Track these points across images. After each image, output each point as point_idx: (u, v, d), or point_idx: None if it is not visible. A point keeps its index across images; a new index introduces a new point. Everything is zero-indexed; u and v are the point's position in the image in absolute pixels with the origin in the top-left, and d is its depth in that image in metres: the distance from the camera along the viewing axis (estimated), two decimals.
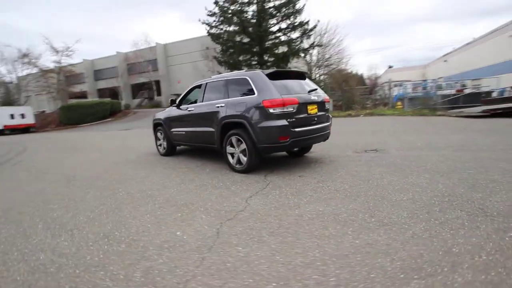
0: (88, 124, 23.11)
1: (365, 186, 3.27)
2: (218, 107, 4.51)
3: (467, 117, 10.86)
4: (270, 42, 19.24)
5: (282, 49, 18.95)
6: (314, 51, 21.91)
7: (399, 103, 15.67)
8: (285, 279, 1.69)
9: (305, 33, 18.59)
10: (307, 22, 18.59)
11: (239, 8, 18.60)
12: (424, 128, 8.49)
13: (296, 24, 18.64)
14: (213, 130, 4.62)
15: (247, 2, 18.64)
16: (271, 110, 3.80)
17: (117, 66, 36.70)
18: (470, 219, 2.30)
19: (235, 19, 18.40)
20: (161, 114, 6.20)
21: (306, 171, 4.15)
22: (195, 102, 5.47)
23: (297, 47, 18.35)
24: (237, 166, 4.29)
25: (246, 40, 19.31)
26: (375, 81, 21.25)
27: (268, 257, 1.94)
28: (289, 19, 18.74)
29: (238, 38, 18.85)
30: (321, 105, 4.38)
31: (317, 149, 5.61)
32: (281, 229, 2.35)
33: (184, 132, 5.38)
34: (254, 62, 19.74)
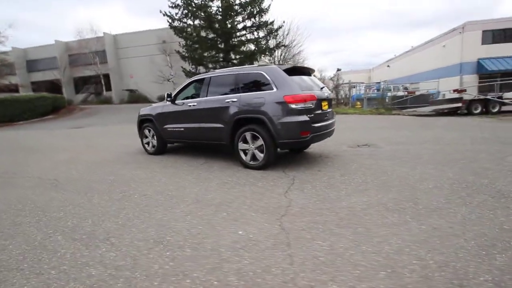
0: (26, 122, 19.93)
1: (387, 178, 3.51)
2: (228, 102, 4.34)
3: (420, 115, 12.36)
4: (236, 39, 19.10)
5: (249, 47, 18.98)
6: (278, 51, 22.39)
7: (358, 103, 17.04)
8: (390, 267, 1.73)
9: (271, 33, 18.91)
10: (272, 22, 18.93)
11: (203, 3, 18.06)
12: (391, 125, 9.39)
13: (261, 23, 18.83)
14: (222, 126, 4.43)
15: None
16: (293, 106, 3.81)
17: (56, 56, 32.43)
18: (496, 201, 2.65)
19: (201, 13, 17.80)
20: (150, 110, 5.71)
21: (320, 166, 4.26)
22: (193, 97, 5.20)
23: (264, 46, 18.56)
24: (251, 162, 4.20)
25: (211, 36, 18.86)
26: (337, 82, 22.61)
27: (355, 247, 1.97)
28: (254, 18, 18.83)
29: (203, 33, 18.29)
30: (329, 102, 4.55)
31: (312, 145, 5.79)
32: (344, 221, 2.39)
33: (182, 129, 5.04)
34: (220, 59, 19.39)
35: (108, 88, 33.34)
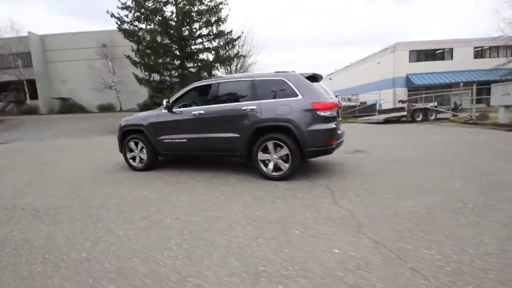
0: None
1: (413, 181, 3.69)
2: (246, 110, 4.05)
3: (372, 123, 13.71)
4: (194, 47, 18.53)
5: (207, 55, 18.57)
6: (235, 61, 22.47)
7: None
8: None
9: (230, 43, 18.88)
10: (230, 32, 18.95)
11: (157, 6, 17.09)
12: (358, 132, 10.16)
13: (219, 32, 18.67)
14: (237, 135, 4.11)
15: (164, 1, 17.35)
16: (321, 113, 3.76)
17: None
18: None
19: (155, 18, 16.78)
20: (139, 120, 4.98)
21: (337, 172, 4.28)
22: (191, 105, 4.74)
23: (226, 55, 18.39)
24: (274, 173, 3.97)
25: (166, 41, 17.90)
26: None
27: (467, 252, 1.95)
28: (212, 26, 18.60)
29: (158, 39, 17.22)
30: (339, 109, 4.65)
31: None
32: (424, 226, 2.38)
33: (184, 140, 4.51)
34: (176, 67, 18.48)
35: (34, 96, 28.68)
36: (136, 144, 5.00)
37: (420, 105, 13.90)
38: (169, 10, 17.84)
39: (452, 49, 24.21)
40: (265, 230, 2.44)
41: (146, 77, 18.24)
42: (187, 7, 17.02)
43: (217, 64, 18.58)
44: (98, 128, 16.62)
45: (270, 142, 3.92)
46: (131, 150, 5.08)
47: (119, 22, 17.01)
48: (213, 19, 18.19)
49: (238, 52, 19.79)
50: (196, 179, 4.25)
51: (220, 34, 18.68)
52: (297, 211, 2.84)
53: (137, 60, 17.77)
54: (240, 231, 2.45)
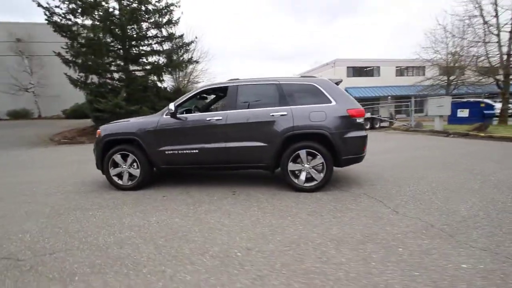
0: None
1: (438, 184, 3.88)
2: (274, 116, 3.67)
3: None
4: (142, 48, 16.89)
5: (159, 59, 17.12)
6: (189, 67, 21.28)
7: None
8: None
9: (182, 47, 17.83)
10: (181, 36, 17.93)
11: (97, 0, 15.04)
12: None
13: (170, 35, 17.46)
14: (264, 144, 3.68)
15: None
16: (357, 120, 3.64)
17: None
18: None
19: (95, 12, 14.70)
20: (130, 127, 4.05)
21: (359, 180, 4.23)
22: (192, 111, 4.13)
23: (179, 59, 17.21)
24: (306, 184, 3.66)
25: (109, 40, 15.84)
26: None
27: None
28: (163, 28, 17.30)
29: (100, 36, 15.07)
30: None
31: None
32: (501, 229, 2.42)
33: (196, 151, 3.81)
34: (120, 69, 16.48)
35: None
36: (124, 157, 4.04)
37: (368, 115, 15.49)
38: (112, 5, 15.90)
39: (379, 67, 28.20)
40: (366, 252, 2.12)
41: (82, 79, 15.69)
42: (134, 4, 15.45)
43: (170, 69, 17.23)
44: (15, 139, 13.44)
45: (303, 151, 3.62)
46: (116, 165, 4.08)
47: (48, 13, 14.27)
48: (163, 20, 16.93)
49: (192, 57, 18.81)
50: (215, 196, 3.62)
51: (171, 37, 17.46)
52: (370, 225, 2.60)
53: (70, 58, 15.16)
54: (340, 256, 2.06)
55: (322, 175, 3.63)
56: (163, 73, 17.61)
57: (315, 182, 3.65)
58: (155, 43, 17.60)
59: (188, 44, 18.20)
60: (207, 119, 3.81)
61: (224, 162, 3.86)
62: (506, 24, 11.27)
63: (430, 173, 4.50)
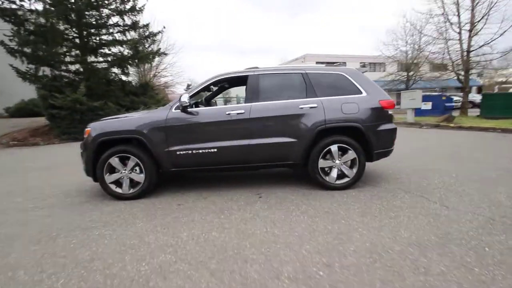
0: None
1: (458, 175, 3.89)
2: (303, 108, 3.31)
3: None
4: (104, 37, 15.22)
5: (124, 49, 15.59)
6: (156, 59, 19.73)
7: None
8: None
9: (149, 37, 16.45)
10: (147, 25, 16.54)
11: None
12: None
13: (134, 23, 16.00)
14: (293, 140, 3.31)
15: None
16: (389, 112, 3.46)
17: None
18: None
19: None
20: (131, 124, 3.36)
21: (381, 175, 4.11)
22: (198, 105, 3.62)
23: (146, 51, 15.82)
24: (338, 182, 3.40)
25: (63, 27, 13.97)
26: None
27: None
28: (125, 15, 15.76)
29: (53, 22, 13.18)
30: None
31: None
32: None
33: (214, 150, 3.30)
34: (78, 60, 14.69)
35: None
36: (123, 160, 3.37)
37: None
38: None
39: (345, 62, 29.22)
40: (457, 256, 1.89)
41: (32, 71, 13.62)
42: None
43: (135, 61, 15.76)
44: None
45: (335, 145, 3.34)
46: (113, 171, 3.39)
47: None
48: (126, 7, 15.41)
49: (160, 49, 17.46)
50: (241, 201, 3.17)
51: (135, 26, 15.99)
52: (434, 223, 2.41)
53: (16, 48, 13.04)
54: (435, 265, 1.81)
55: (354, 171, 3.39)
56: (128, 65, 16.13)
57: (346, 179, 3.40)
58: (117, 32, 15.98)
59: (155, 34, 16.85)
60: (227, 113, 3.31)
61: (247, 162, 3.42)
62: (467, 23, 12.31)
63: (441, 164, 4.55)
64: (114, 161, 3.34)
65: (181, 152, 3.32)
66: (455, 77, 14.18)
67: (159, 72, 22.51)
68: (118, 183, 3.41)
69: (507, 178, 3.65)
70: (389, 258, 1.91)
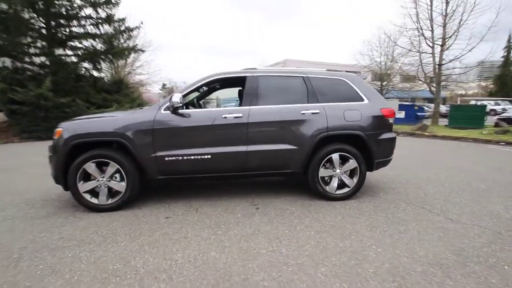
0: None
1: (451, 185, 3.91)
2: (305, 114, 3.12)
3: None
4: (76, 29, 14.15)
5: (97, 43, 14.59)
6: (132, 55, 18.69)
7: None
8: None
9: (125, 32, 15.57)
10: (123, 19, 15.66)
11: None
12: None
13: (108, 16, 15.07)
14: (294, 147, 3.10)
15: None
16: (390, 120, 3.36)
17: None
18: None
19: None
20: (111, 125, 2.93)
21: (371, 185, 4.03)
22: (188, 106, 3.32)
23: (122, 45, 14.91)
24: (338, 192, 3.23)
25: (27, 16, 12.77)
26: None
27: None
28: (100, 7, 14.81)
29: (17, 9, 11.98)
30: None
31: None
32: None
33: (208, 156, 2.98)
34: (45, 51, 13.49)
35: None
36: (101, 166, 2.94)
37: None
38: None
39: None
40: (482, 277, 1.78)
41: None
42: None
43: (109, 56, 14.79)
44: None
45: (336, 154, 3.17)
46: (89, 178, 2.95)
47: None
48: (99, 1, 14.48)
49: (136, 45, 16.56)
50: (237, 212, 2.88)
51: (110, 19, 15.06)
52: (444, 239, 2.31)
53: None
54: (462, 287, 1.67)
55: (355, 180, 3.25)
56: (101, 60, 15.11)
57: (347, 189, 3.25)
58: (90, 25, 14.94)
59: (132, 29, 16.00)
60: (223, 116, 3.02)
61: (243, 170, 3.14)
62: (440, 38, 13.06)
63: (430, 173, 4.60)
64: (90, 167, 2.90)
65: (170, 158, 2.97)
66: (427, 89, 14.98)
67: (134, 70, 21.41)
68: (94, 192, 2.97)
69: (497, 188, 3.72)
70: (414, 281, 1.75)
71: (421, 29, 13.34)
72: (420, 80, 15.28)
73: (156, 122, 2.95)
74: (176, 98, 2.87)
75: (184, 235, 2.40)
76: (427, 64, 14.09)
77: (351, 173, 3.27)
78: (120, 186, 2.97)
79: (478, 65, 15.32)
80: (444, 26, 13.13)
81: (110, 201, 2.97)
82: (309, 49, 75.94)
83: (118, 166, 2.93)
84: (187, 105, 3.54)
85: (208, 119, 3.02)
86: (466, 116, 13.09)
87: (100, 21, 14.93)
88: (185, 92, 3.10)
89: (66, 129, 2.95)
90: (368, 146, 3.21)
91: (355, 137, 3.21)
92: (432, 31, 13.12)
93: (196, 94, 3.98)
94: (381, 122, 3.29)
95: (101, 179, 2.94)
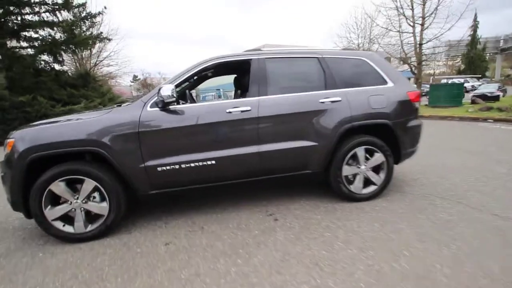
0: None
1: (472, 171, 3.63)
2: (325, 103, 2.60)
3: None
4: (27, 17, 12.48)
5: (55, 33, 13.01)
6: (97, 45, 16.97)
7: None
8: None
9: (87, 18, 14.02)
10: (83, 4, 14.04)
11: None
12: None
13: (66, 1, 13.42)
14: (314, 143, 2.59)
15: None
16: (416, 105, 2.93)
17: None
18: None
19: None
20: (83, 130, 2.23)
21: (401, 183, 3.66)
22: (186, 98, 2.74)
23: (85, 34, 13.40)
24: (365, 191, 2.80)
25: None
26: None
27: None
28: None
29: None
30: None
31: None
32: None
33: (212, 162, 2.39)
34: None
35: None
36: (74, 184, 2.27)
37: None
38: None
39: None
40: None
41: None
42: None
43: (71, 47, 13.23)
44: None
45: (361, 148, 2.71)
46: (58, 201, 2.28)
47: None
48: None
49: (101, 33, 14.96)
50: (252, 228, 2.36)
51: (67, 5, 13.41)
52: (508, 246, 1.96)
53: None
54: None
55: (382, 177, 2.83)
56: (62, 51, 13.55)
57: (374, 188, 2.83)
58: (45, 12, 13.25)
59: (94, 15, 14.44)
60: (228, 110, 2.42)
61: (255, 175, 2.59)
62: (420, 17, 12.96)
63: (442, 158, 4.32)
64: (58, 187, 2.22)
65: (165, 168, 2.35)
66: (408, 69, 15.01)
67: (101, 61, 19.61)
68: (67, 218, 2.30)
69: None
70: None
71: (401, 7, 13.14)
72: (402, 61, 15.26)
73: (142, 123, 2.30)
74: (167, 90, 2.23)
75: (195, 271, 1.84)
76: (407, 44, 14.02)
77: (377, 169, 2.84)
78: (100, 208, 2.32)
79: (458, 43, 15.54)
80: (424, 5, 13.01)
81: (89, 227, 2.33)
82: (288, 33, 74.80)
83: (96, 183, 2.27)
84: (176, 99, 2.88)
85: (209, 115, 2.41)
86: (445, 95, 13.27)
87: (57, 7, 13.28)
88: (177, 82, 2.44)
89: (21, 139, 2.22)
90: (396, 136, 2.78)
91: (381, 127, 2.75)
92: (412, 9, 12.96)
93: (185, 84, 3.31)
94: (408, 108, 2.86)
95: (75, 201, 2.27)
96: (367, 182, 2.83)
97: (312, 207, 2.74)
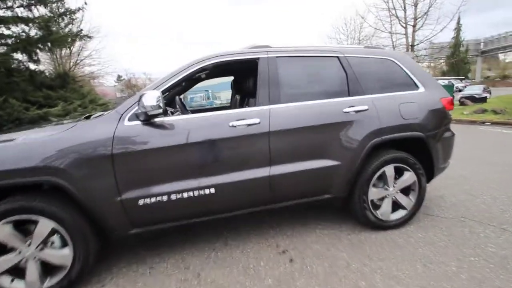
0: None
1: (493, 184, 3.25)
2: (349, 113, 2.11)
3: None
4: (1, 11, 11.43)
5: (30, 29, 12.00)
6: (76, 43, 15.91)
7: None
8: None
9: (65, 14, 13.06)
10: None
11: None
12: None
13: None
14: (335, 163, 2.10)
15: None
16: (450, 114, 2.50)
17: None
18: None
19: None
20: (32, 153, 1.63)
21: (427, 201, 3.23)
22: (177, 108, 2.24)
23: (63, 31, 12.45)
24: (394, 217, 2.34)
25: None
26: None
27: None
28: None
29: None
30: None
31: None
32: None
33: (211, 190, 1.85)
34: None
35: None
36: (24, 226, 1.68)
37: None
38: None
39: None
40: None
41: None
42: None
43: (48, 45, 12.25)
44: None
45: (390, 166, 2.25)
46: (4, 249, 1.67)
47: None
48: None
49: (81, 30, 13.97)
50: (264, 273, 1.84)
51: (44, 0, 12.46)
52: None
53: None
54: None
55: (412, 199, 2.38)
56: (37, 50, 12.53)
57: (403, 213, 2.37)
58: (18, 7, 12.20)
59: (74, 11, 13.46)
60: (231, 124, 1.89)
61: (264, 203, 2.07)
62: (412, 18, 12.83)
63: (458, 169, 3.94)
64: (3, 231, 1.62)
65: (148, 201, 1.79)
66: None
67: (81, 60, 18.46)
68: (17, 271, 1.70)
69: None
70: None
71: (394, 8, 12.98)
72: None
73: (118, 142, 1.73)
74: (151, 99, 1.67)
75: None
76: (399, 46, 13.90)
77: (406, 190, 2.38)
78: (61, 256, 1.74)
79: (449, 45, 15.58)
80: (416, 6, 12.91)
81: (47, 283, 1.74)
82: (279, 34, 74.43)
83: (54, 224, 1.69)
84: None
85: (207, 131, 1.87)
86: None
87: (32, 1, 12.26)
88: (164, 87, 1.89)
89: None
90: (430, 151, 2.33)
91: (412, 140, 2.30)
92: (405, 10, 12.83)
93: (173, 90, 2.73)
94: (442, 117, 2.42)
95: (25, 249, 1.68)
96: (395, 205, 2.37)
97: (332, 239, 2.25)
